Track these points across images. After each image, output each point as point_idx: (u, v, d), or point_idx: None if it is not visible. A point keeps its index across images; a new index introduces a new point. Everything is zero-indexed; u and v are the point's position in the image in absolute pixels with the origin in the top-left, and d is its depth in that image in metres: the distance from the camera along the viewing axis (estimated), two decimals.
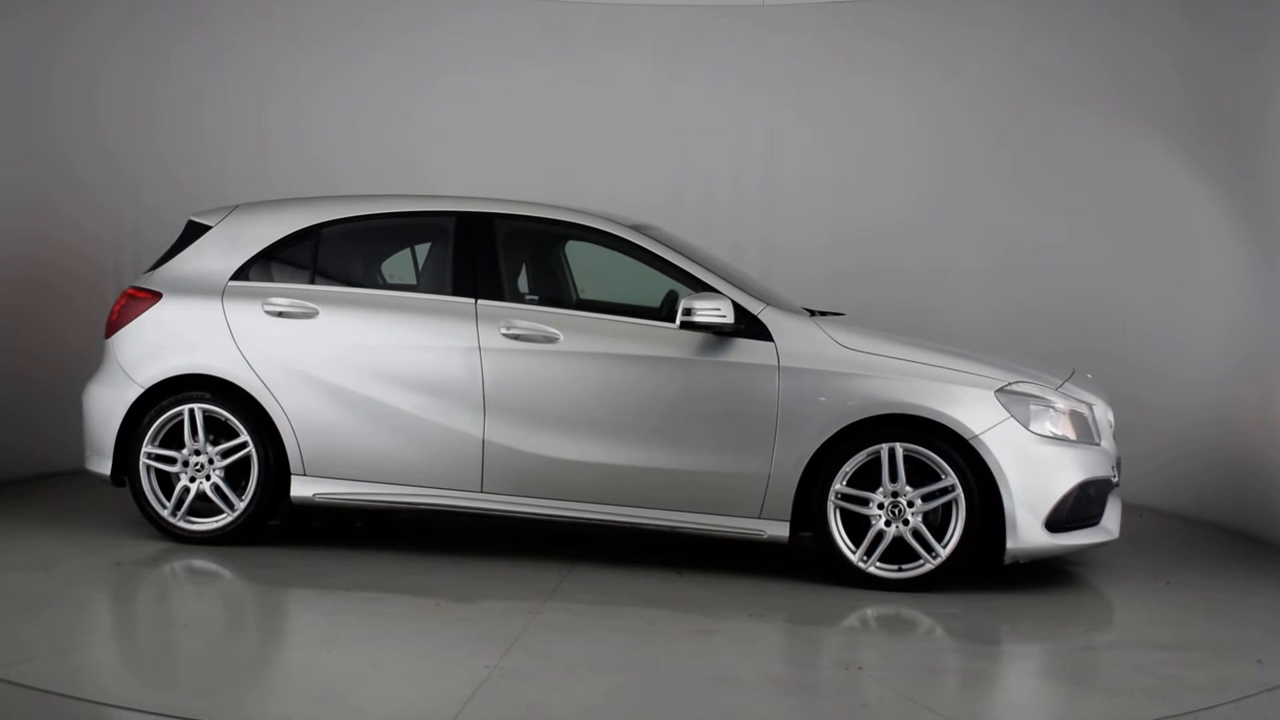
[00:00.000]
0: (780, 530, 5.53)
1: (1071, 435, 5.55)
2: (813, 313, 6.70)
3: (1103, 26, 7.79)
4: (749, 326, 5.58)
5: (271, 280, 5.93)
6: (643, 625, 4.81)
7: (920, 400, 5.44)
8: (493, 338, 5.66)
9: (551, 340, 5.63)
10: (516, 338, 5.65)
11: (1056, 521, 5.46)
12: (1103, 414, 5.77)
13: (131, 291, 6.05)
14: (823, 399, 5.47)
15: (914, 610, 5.16)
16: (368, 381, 5.72)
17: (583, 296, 6.36)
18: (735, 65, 8.67)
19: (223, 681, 4.12)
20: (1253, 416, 6.88)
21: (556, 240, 6.19)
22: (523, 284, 6.18)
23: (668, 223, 6.85)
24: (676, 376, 5.57)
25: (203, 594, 5.27)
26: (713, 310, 5.48)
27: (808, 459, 5.46)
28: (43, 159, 7.49)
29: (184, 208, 6.62)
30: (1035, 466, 5.40)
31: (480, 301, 5.73)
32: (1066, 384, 5.73)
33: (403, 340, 5.73)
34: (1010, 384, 5.50)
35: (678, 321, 5.50)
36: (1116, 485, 5.81)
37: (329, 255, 6.02)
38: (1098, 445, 5.66)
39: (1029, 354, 6.58)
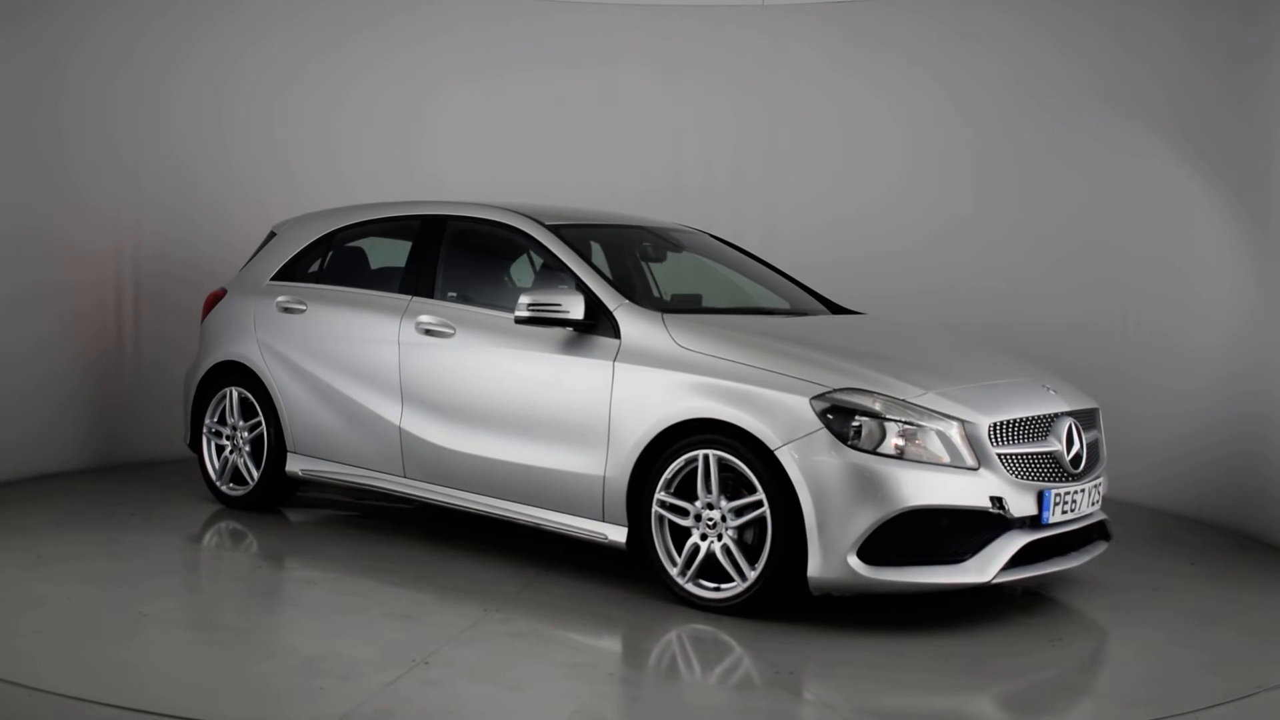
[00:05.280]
0: (619, 535, 5.31)
1: (921, 454, 4.75)
2: (835, 310, 6.31)
3: (1100, 29, 7.83)
4: (604, 323, 5.42)
5: (295, 280, 6.73)
6: (356, 603, 4.99)
7: (726, 405, 4.98)
8: (410, 332, 6.01)
9: (449, 335, 5.87)
10: (427, 333, 5.95)
11: (876, 552, 4.71)
12: (982, 433, 4.83)
13: (216, 291, 7.15)
14: (649, 400, 5.19)
15: (721, 634, 4.73)
16: (331, 370, 6.31)
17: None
18: (735, 65, 8.88)
19: None
20: (1253, 416, 6.77)
21: (489, 238, 6.32)
22: (476, 282, 6.37)
23: (668, 218, 6.73)
24: (538, 372, 5.56)
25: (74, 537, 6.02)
26: (553, 306, 5.41)
27: (633, 462, 5.21)
28: (51, 168, 7.43)
29: (190, 212, 7.74)
30: (847, 486, 4.71)
31: (414, 298, 6.10)
32: (932, 395, 4.88)
33: (355, 333, 6.25)
34: (831, 391, 4.83)
35: (514, 316, 5.50)
36: (1016, 522, 4.84)
37: (338, 257, 6.71)
38: (970, 469, 4.77)
39: (1002, 351, 6.07)
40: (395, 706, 3.81)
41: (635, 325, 5.37)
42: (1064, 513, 5.04)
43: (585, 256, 5.74)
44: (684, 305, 6.14)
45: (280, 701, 3.86)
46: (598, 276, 5.60)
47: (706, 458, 5.01)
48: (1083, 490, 5.14)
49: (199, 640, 4.48)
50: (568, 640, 4.69)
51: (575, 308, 5.39)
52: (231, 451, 6.76)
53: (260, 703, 3.86)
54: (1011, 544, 4.85)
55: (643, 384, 5.23)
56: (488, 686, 4.04)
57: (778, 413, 4.87)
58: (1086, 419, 5.38)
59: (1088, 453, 5.24)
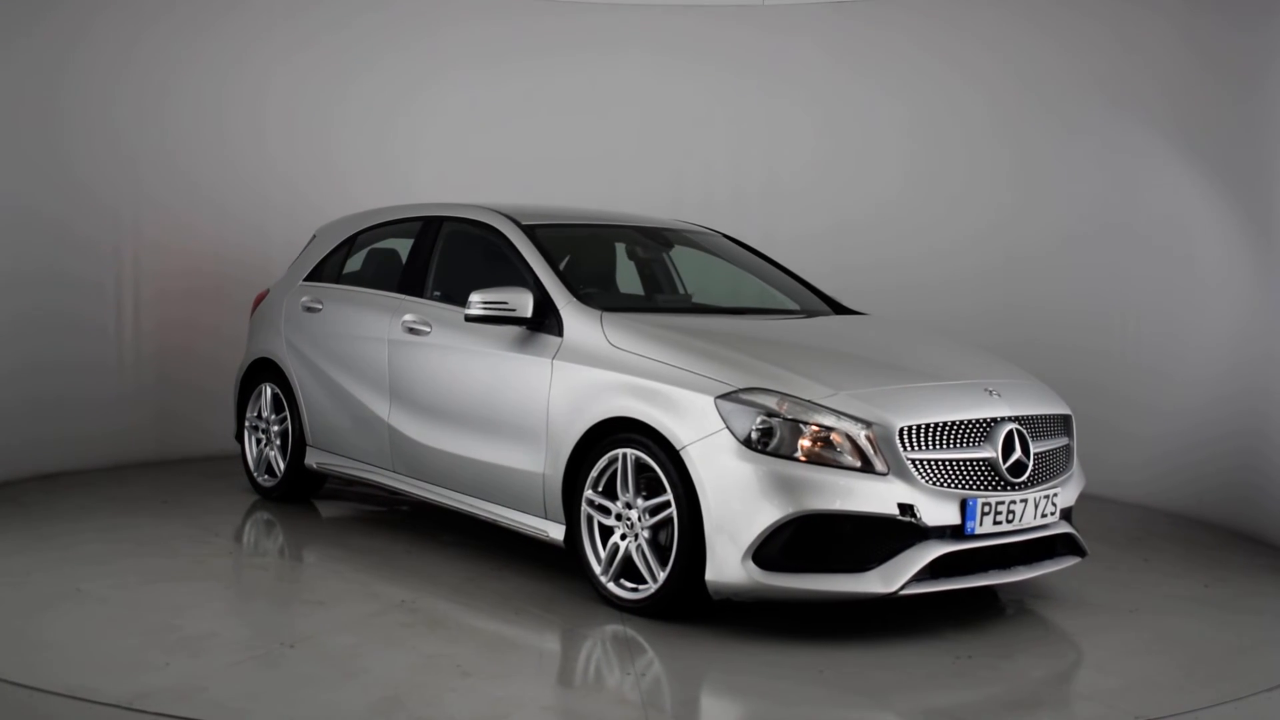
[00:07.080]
0: (558, 533, 5.31)
1: (826, 457, 4.57)
2: (840, 310, 6.17)
3: (1103, 27, 7.76)
4: (550, 321, 5.43)
5: (321, 281, 6.98)
6: (284, 589, 5.16)
7: (642, 403, 4.91)
8: (397, 330, 6.16)
9: (427, 333, 5.99)
10: (410, 331, 6.08)
11: (770, 557, 4.56)
12: (893, 436, 4.60)
13: (262, 292, 7.48)
14: (579, 398, 5.17)
15: (635, 635, 4.67)
16: (337, 367, 6.52)
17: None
18: (735, 64, 8.90)
19: None
20: (1253, 416, 6.74)
21: (475, 238, 6.37)
22: (458, 281, 6.43)
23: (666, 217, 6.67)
24: (494, 369, 5.61)
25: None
26: (500, 304, 5.45)
27: (566, 460, 5.20)
28: (53, 168, 7.50)
29: (188, 213, 8.06)
30: (745, 488, 4.57)
31: (406, 298, 6.25)
32: (843, 395, 4.68)
33: (356, 331, 6.43)
34: (735, 391, 4.70)
35: (464, 314, 5.55)
36: (934, 531, 4.60)
37: (357, 259, 6.92)
38: (879, 474, 4.56)
39: (984, 351, 5.81)
40: (211, 684, 3.93)
41: (576, 324, 5.36)
42: (996, 523, 4.75)
43: (551, 256, 5.74)
44: (634, 304, 6.14)
45: (115, 674, 4.00)
46: (553, 275, 5.60)
47: (625, 456, 4.96)
48: (1025, 500, 4.83)
49: (101, 614, 4.70)
50: (457, 632, 4.68)
51: (524, 306, 5.41)
52: (265, 444, 7.07)
53: (95, 673, 4.01)
54: (924, 554, 4.59)
55: (575, 382, 5.22)
56: (325, 670, 4.11)
57: (685, 412, 4.77)
58: (1041, 425, 5.05)
59: (1036, 461, 4.93)
